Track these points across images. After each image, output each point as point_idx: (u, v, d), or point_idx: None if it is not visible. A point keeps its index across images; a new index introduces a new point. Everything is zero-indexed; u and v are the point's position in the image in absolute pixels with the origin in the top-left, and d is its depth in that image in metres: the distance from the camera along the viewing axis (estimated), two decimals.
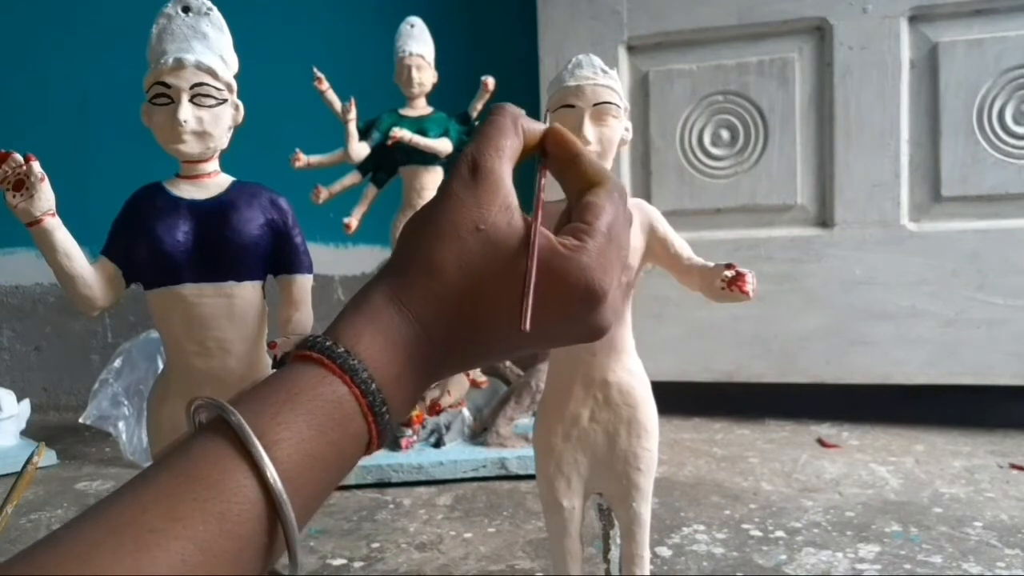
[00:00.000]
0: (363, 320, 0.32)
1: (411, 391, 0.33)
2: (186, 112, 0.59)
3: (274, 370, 0.33)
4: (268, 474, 0.27)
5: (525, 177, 0.37)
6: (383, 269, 0.35)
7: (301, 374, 0.30)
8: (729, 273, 0.54)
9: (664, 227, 0.59)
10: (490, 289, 0.32)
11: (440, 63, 1.17)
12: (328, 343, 0.31)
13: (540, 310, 0.32)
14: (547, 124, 0.38)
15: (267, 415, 0.28)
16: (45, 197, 0.57)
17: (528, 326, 0.31)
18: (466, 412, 1.21)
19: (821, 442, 1.23)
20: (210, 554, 0.25)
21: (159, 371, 0.76)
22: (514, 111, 0.36)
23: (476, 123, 1.16)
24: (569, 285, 0.32)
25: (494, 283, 0.32)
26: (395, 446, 1.14)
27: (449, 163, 1.16)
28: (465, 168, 0.33)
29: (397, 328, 0.32)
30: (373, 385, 0.30)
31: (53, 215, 0.58)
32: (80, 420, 1.27)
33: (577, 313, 0.33)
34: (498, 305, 0.32)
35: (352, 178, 1.17)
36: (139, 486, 0.26)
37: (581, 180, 0.36)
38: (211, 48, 0.61)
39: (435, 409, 1.16)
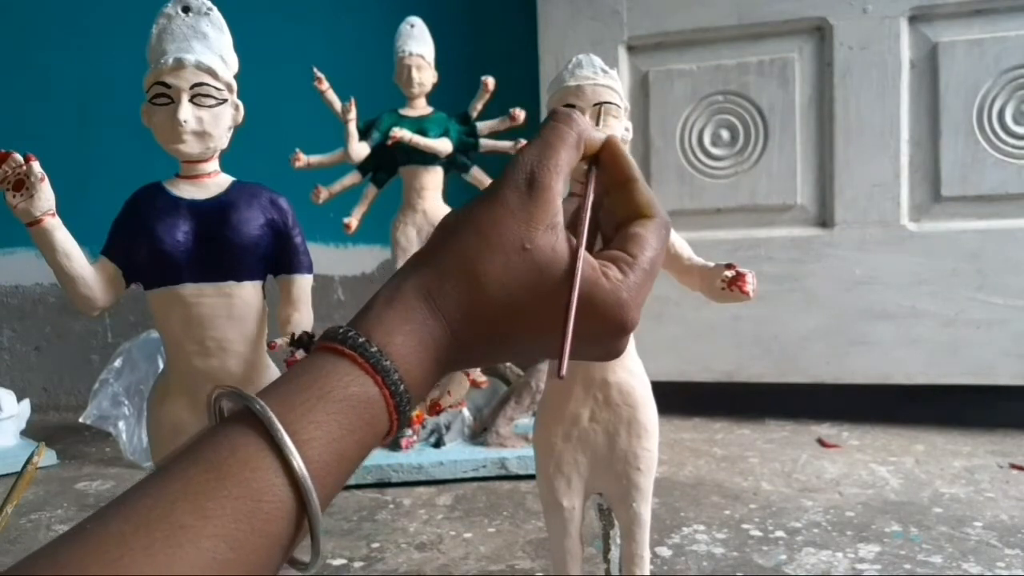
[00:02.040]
0: (396, 318, 0.31)
1: (430, 389, 0.33)
2: (186, 112, 0.59)
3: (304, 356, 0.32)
4: (300, 475, 0.27)
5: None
6: (416, 261, 0.33)
7: (332, 370, 0.30)
8: (729, 273, 0.54)
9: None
10: (528, 310, 0.32)
11: (440, 63, 1.17)
12: (361, 340, 0.30)
13: (572, 336, 0.32)
14: (601, 131, 0.37)
15: (297, 411, 0.28)
16: (45, 197, 0.57)
17: (564, 373, 0.31)
18: (466, 412, 1.21)
19: (821, 442, 1.23)
20: (241, 552, 0.25)
21: (159, 371, 0.76)
22: (581, 125, 0.35)
23: (476, 123, 1.16)
24: (604, 317, 0.32)
25: (533, 305, 0.32)
26: (395, 446, 1.14)
27: (449, 163, 1.16)
28: (522, 177, 0.33)
29: (430, 330, 0.31)
30: (402, 387, 0.30)
31: (53, 215, 0.58)
32: (80, 420, 1.27)
33: (602, 340, 0.34)
34: (532, 327, 0.32)
35: (352, 178, 1.17)
36: (166, 480, 0.26)
37: (630, 206, 0.35)
38: (211, 48, 0.61)
39: (435, 409, 1.16)
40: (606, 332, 0.33)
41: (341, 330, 0.31)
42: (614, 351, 0.35)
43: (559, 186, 0.33)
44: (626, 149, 0.40)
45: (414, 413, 1.16)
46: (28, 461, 1.01)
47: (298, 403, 0.28)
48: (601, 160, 0.36)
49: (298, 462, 0.27)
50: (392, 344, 0.30)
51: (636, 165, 0.36)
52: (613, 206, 0.36)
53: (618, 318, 0.33)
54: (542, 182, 0.32)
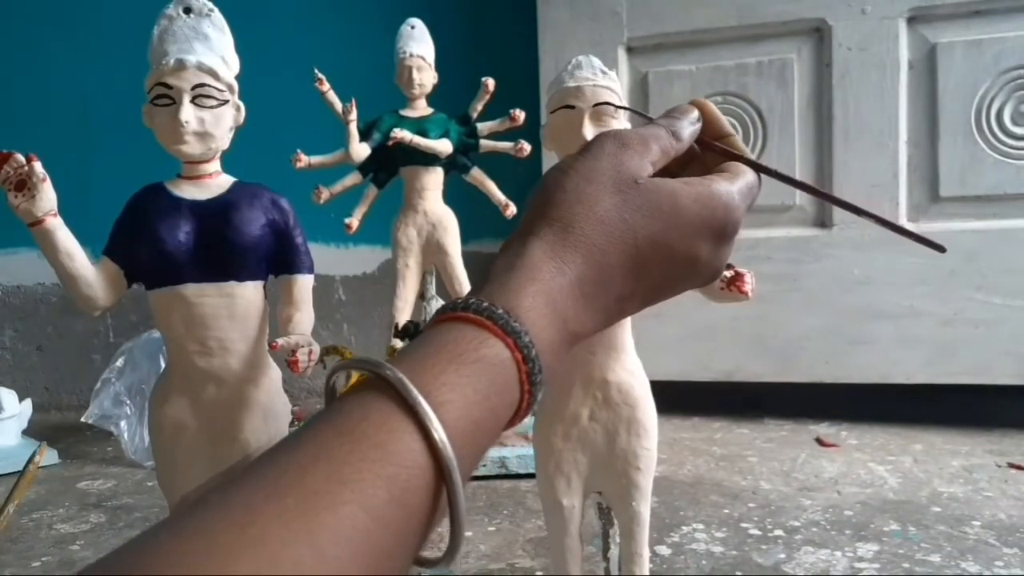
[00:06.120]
0: (521, 279, 0.29)
1: (560, 358, 0.31)
2: (187, 113, 0.59)
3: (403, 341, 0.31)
4: (437, 437, 0.24)
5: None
6: (530, 221, 0.32)
7: (460, 335, 0.27)
8: (728, 273, 0.54)
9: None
10: (660, 238, 0.32)
11: (440, 64, 1.18)
12: (485, 304, 0.28)
13: (695, 240, 0.33)
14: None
15: (429, 374, 0.26)
16: (47, 197, 0.57)
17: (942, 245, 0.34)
18: None
19: (820, 441, 1.24)
20: (380, 521, 0.22)
21: (161, 371, 0.76)
22: (677, 128, 0.37)
23: (476, 124, 1.17)
24: (718, 211, 0.34)
25: (664, 233, 0.32)
26: None
27: (449, 164, 1.17)
28: (612, 135, 0.34)
29: (559, 289, 0.30)
30: (534, 351, 0.28)
31: (55, 215, 0.58)
32: (82, 419, 1.27)
33: (719, 242, 0.35)
34: (669, 256, 0.33)
35: (353, 178, 1.17)
36: (295, 446, 0.23)
37: (729, 153, 0.37)
38: (212, 49, 0.61)
39: None
40: (723, 231, 0.34)
41: (459, 301, 0.29)
42: (719, 263, 0.36)
43: (648, 154, 0.34)
44: None
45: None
46: (30, 460, 1.02)
47: (429, 366, 0.26)
48: (705, 119, 0.38)
49: (435, 423, 0.24)
50: (520, 307, 0.28)
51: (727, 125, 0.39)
52: (710, 163, 0.38)
53: (733, 213, 0.34)
54: (634, 138, 0.34)
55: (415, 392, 0.24)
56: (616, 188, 0.32)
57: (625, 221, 0.31)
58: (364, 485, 0.22)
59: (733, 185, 0.35)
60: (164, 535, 0.20)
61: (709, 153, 0.38)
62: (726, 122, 0.38)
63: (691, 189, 0.33)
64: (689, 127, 0.37)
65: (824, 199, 0.36)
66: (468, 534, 0.90)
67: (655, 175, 0.34)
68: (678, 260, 0.33)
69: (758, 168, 0.37)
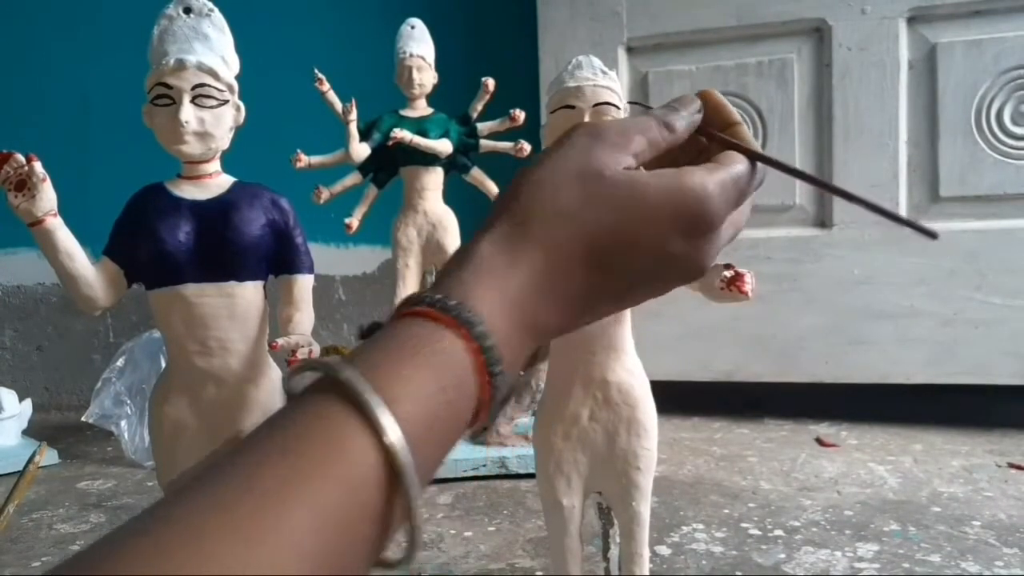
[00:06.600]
0: (476, 271, 0.29)
1: (520, 351, 0.30)
2: (188, 113, 0.59)
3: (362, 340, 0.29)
4: (388, 433, 0.24)
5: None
6: (491, 217, 0.32)
7: (412, 330, 0.27)
8: (728, 273, 0.54)
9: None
10: (629, 227, 0.31)
11: (440, 64, 1.18)
12: (439, 297, 0.28)
13: (663, 238, 0.32)
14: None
15: (381, 370, 0.25)
16: (47, 197, 0.58)
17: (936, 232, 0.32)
18: None
19: (820, 441, 1.24)
20: (331, 521, 0.22)
21: (161, 370, 0.76)
22: (670, 121, 0.35)
23: (476, 124, 1.17)
24: (690, 206, 0.32)
25: (631, 227, 0.31)
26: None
27: (449, 164, 1.17)
28: (584, 129, 0.33)
29: (515, 281, 0.29)
30: (489, 341, 0.27)
31: (55, 215, 0.59)
32: (82, 419, 1.28)
33: (692, 239, 0.32)
34: (638, 250, 0.31)
35: (353, 178, 1.17)
36: (245, 449, 0.23)
37: (729, 143, 0.36)
38: (212, 49, 0.61)
39: None
40: (695, 227, 0.32)
41: (412, 296, 0.29)
42: (700, 261, 0.33)
43: (628, 146, 0.33)
44: None
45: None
46: (30, 460, 1.02)
47: (381, 362, 0.26)
48: (705, 108, 0.36)
49: (388, 420, 0.24)
50: (473, 298, 0.28)
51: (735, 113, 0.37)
52: (714, 153, 0.36)
53: (706, 207, 0.32)
54: (611, 129, 0.33)
55: (367, 389, 0.24)
56: (580, 180, 0.31)
57: (585, 213, 0.31)
58: (314, 485, 0.22)
59: (711, 176, 0.32)
60: (111, 543, 0.20)
61: (713, 144, 0.37)
62: (733, 111, 0.37)
63: (659, 181, 0.32)
64: (687, 118, 0.35)
65: (822, 187, 0.35)
66: (468, 534, 0.90)
67: (657, 165, 0.33)
68: (645, 255, 0.32)
69: (756, 157, 0.35)
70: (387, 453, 0.24)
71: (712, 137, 0.37)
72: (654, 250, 0.32)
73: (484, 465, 1.10)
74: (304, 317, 0.66)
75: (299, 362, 0.27)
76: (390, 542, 0.26)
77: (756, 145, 0.36)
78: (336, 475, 0.23)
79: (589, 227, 0.31)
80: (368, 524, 0.24)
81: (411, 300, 0.29)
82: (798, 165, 1.33)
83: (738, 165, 0.34)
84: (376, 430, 0.24)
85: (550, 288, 0.30)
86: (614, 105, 0.58)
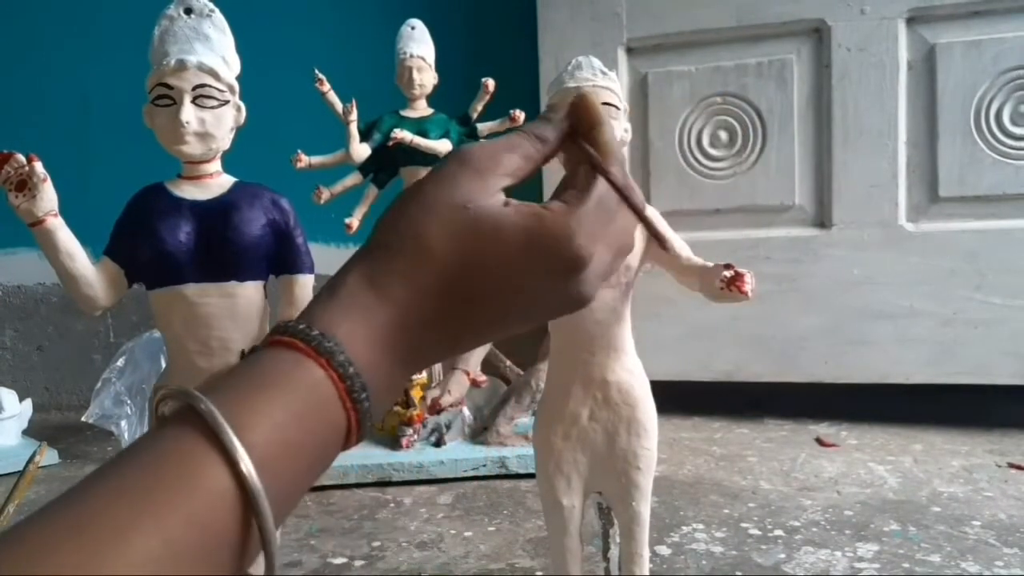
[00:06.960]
0: (338, 304, 0.30)
1: (393, 378, 0.31)
2: (188, 113, 0.60)
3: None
4: (242, 463, 0.24)
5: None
6: (361, 250, 0.33)
7: (274, 360, 0.28)
8: (728, 273, 0.55)
9: (663, 227, 0.59)
10: (486, 269, 0.31)
11: (441, 65, 1.18)
12: (301, 326, 0.29)
13: (523, 278, 0.31)
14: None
15: (237, 400, 0.26)
16: (47, 197, 0.58)
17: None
18: (466, 411, 1.21)
19: (820, 441, 1.24)
20: (177, 548, 0.23)
21: (162, 370, 0.76)
22: (540, 132, 0.34)
23: (476, 124, 1.17)
24: (551, 249, 0.31)
25: (489, 265, 0.31)
26: (396, 445, 1.14)
27: None
28: (456, 155, 0.33)
29: (379, 316, 0.30)
30: (351, 369, 0.28)
31: (55, 215, 0.59)
32: (83, 419, 1.27)
33: (559, 279, 0.32)
34: (496, 289, 0.31)
35: (353, 179, 1.18)
36: (101, 478, 0.24)
37: (584, 152, 0.34)
38: (213, 49, 0.61)
39: (435, 408, 1.16)
40: (557, 263, 0.31)
41: (282, 324, 0.30)
42: (576, 295, 0.33)
43: (497, 169, 0.32)
44: (625, 150, 0.40)
45: (414, 412, 1.16)
46: (30, 460, 1.02)
47: (239, 392, 0.27)
48: (576, 113, 0.35)
49: (237, 447, 0.25)
50: (335, 327, 0.29)
51: (603, 113, 0.35)
52: (573, 159, 0.35)
53: (566, 248, 0.31)
54: (478, 156, 0.32)
55: (219, 418, 0.25)
56: (446, 213, 0.31)
57: (446, 247, 0.31)
58: (163, 515, 0.23)
59: (571, 214, 0.31)
60: None
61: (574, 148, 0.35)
62: (598, 112, 0.35)
63: (519, 220, 0.31)
64: (557, 127, 0.35)
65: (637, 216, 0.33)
66: (468, 534, 0.90)
67: (570, 168, 0.33)
68: (508, 291, 0.32)
69: (599, 171, 0.33)
70: (240, 481, 0.24)
71: (572, 147, 0.35)
72: (515, 288, 0.32)
73: (484, 465, 1.10)
74: None
75: (165, 391, 0.28)
76: (250, 565, 0.26)
77: (613, 146, 0.34)
78: (188, 505, 0.24)
79: (449, 260, 0.31)
80: (222, 552, 0.24)
81: (278, 329, 0.29)
82: (798, 166, 1.33)
83: (597, 189, 0.33)
84: (229, 458, 0.24)
85: (417, 320, 0.31)
86: (614, 106, 0.58)
